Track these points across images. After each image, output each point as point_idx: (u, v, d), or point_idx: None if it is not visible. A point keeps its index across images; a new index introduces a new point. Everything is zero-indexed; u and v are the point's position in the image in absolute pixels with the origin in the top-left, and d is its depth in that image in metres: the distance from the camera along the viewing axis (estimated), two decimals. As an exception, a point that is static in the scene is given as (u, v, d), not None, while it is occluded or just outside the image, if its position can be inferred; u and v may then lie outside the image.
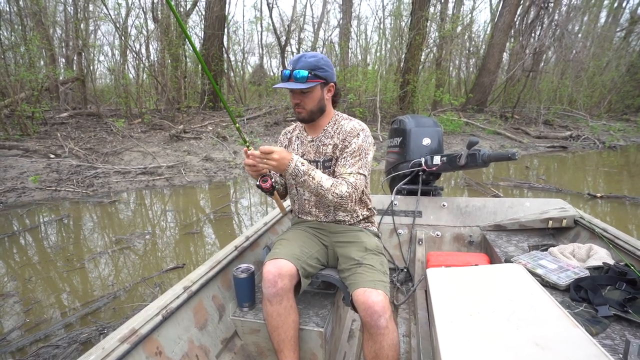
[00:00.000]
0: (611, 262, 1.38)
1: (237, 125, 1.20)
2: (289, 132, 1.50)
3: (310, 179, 1.20)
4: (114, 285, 2.67)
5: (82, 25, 9.50)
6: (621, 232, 1.56)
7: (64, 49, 10.08)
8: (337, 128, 1.35)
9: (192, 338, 1.17)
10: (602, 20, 16.04)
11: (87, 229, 3.90)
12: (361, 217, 1.44)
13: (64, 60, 10.17)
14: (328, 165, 1.35)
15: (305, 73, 1.21)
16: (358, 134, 1.30)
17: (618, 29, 15.89)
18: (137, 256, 3.22)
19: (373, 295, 1.10)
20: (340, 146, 1.32)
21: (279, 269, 1.18)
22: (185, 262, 3.00)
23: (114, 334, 0.94)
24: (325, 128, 1.37)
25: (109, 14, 8.50)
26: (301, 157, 1.39)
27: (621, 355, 0.92)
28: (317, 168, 1.36)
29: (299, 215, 1.50)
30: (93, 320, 2.21)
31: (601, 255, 1.44)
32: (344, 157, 1.29)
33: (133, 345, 0.93)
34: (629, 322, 1.09)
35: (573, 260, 1.49)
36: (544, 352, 0.79)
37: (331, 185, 1.22)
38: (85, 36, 9.79)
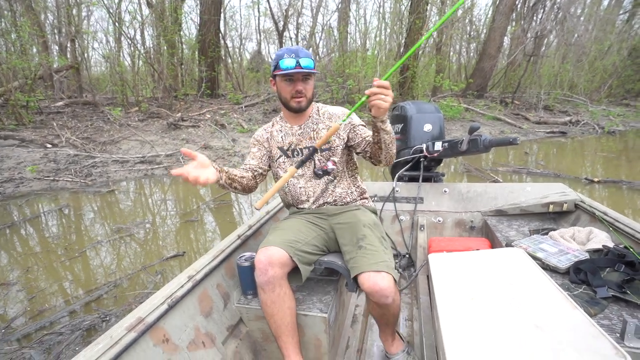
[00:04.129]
0: (611, 244, 1.39)
1: None
2: (267, 128, 1.50)
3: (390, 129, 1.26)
4: (115, 273, 2.69)
5: (74, 11, 9.27)
6: (621, 215, 1.57)
7: (56, 36, 9.87)
8: (324, 113, 1.43)
9: (198, 325, 1.18)
10: (605, 2, 15.76)
11: (87, 219, 3.90)
12: (356, 193, 1.48)
13: (57, 48, 9.97)
14: (328, 155, 1.39)
15: (311, 61, 1.28)
16: (348, 114, 1.34)
17: (621, 12, 15.62)
18: (138, 244, 3.23)
19: (379, 280, 1.12)
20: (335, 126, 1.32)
21: (268, 257, 1.19)
22: (185, 250, 3.02)
23: (121, 323, 0.95)
24: (311, 115, 1.43)
25: (102, -2, 8.30)
26: (289, 146, 1.42)
27: (618, 335, 0.93)
28: (314, 153, 1.36)
29: (295, 206, 1.51)
30: (95, 308, 2.24)
31: (601, 238, 1.45)
32: (360, 128, 1.39)
33: (140, 333, 0.95)
34: (626, 303, 1.11)
35: (573, 243, 1.50)
36: (543, 333, 0.81)
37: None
38: (78, 22, 9.56)
